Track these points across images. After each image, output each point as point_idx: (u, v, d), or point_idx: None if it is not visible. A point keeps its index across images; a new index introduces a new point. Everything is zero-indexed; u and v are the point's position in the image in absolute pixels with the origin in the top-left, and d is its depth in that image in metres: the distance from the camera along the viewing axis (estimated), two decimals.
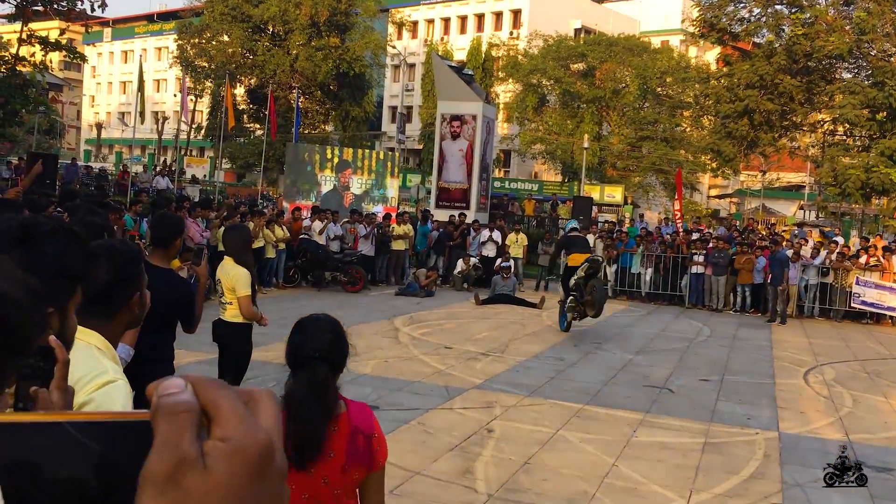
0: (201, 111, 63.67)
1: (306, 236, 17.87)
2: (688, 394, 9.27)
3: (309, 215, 18.75)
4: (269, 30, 47.55)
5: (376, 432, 2.63)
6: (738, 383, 10.18)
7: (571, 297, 12.77)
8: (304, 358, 2.52)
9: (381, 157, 25.40)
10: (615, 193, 41.70)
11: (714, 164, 37.22)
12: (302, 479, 2.50)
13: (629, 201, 43.67)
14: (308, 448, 2.49)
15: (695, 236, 20.39)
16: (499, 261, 18.02)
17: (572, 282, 12.74)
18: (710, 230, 23.49)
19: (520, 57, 46.00)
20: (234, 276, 5.69)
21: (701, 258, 18.72)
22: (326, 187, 22.55)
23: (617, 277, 19.71)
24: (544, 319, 15.24)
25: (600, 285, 12.78)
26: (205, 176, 48.91)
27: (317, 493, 2.52)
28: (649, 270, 19.48)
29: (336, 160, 23.02)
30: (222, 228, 15.20)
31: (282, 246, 17.23)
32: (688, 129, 43.89)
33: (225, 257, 5.89)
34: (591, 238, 19.78)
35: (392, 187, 23.31)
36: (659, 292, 19.51)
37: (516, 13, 56.01)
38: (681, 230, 20.33)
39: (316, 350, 2.52)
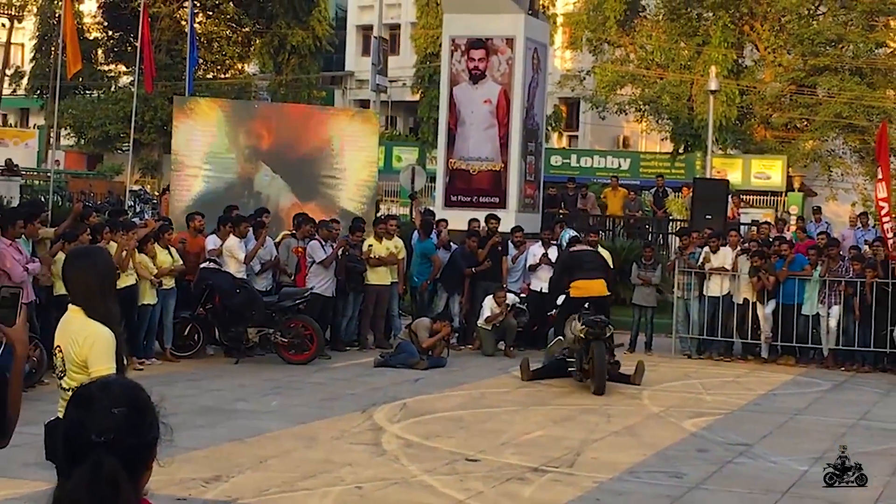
0: (21, 45, 64.32)
1: (212, 263, 17.94)
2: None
3: (215, 227, 18.84)
4: None
5: None
6: None
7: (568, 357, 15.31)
8: (83, 446, 2.70)
9: (350, 117, 25.53)
10: (770, 171, 41.85)
11: None
12: None
13: (797, 186, 43.71)
14: None
15: None
16: (560, 299, 18.03)
17: (570, 332, 14.82)
18: None
19: None
20: (86, 341, 5.71)
21: None
22: (248, 176, 22.65)
23: (776, 324, 19.66)
24: (645, 403, 15.19)
25: (601, 353, 14.77)
26: (35, 162, 49.39)
27: None
28: (835, 310, 19.40)
29: (264, 125, 23.13)
30: (62, 255, 15.33)
31: (169, 284, 17.27)
32: None
33: (70, 308, 5.92)
34: (729, 254, 19.86)
35: (364, 169, 23.37)
36: (854, 349, 19.41)
37: None
38: (890, 235, 20.27)
39: (101, 433, 2.71)
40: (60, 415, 5.81)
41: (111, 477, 2.66)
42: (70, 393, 5.74)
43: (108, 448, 2.69)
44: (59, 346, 5.84)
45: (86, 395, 2.87)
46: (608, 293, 15.78)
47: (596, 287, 15.16)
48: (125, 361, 5.92)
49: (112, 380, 3.04)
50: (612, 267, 20.27)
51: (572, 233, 16.45)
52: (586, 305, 15.26)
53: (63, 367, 5.80)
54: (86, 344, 5.68)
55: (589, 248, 15.68)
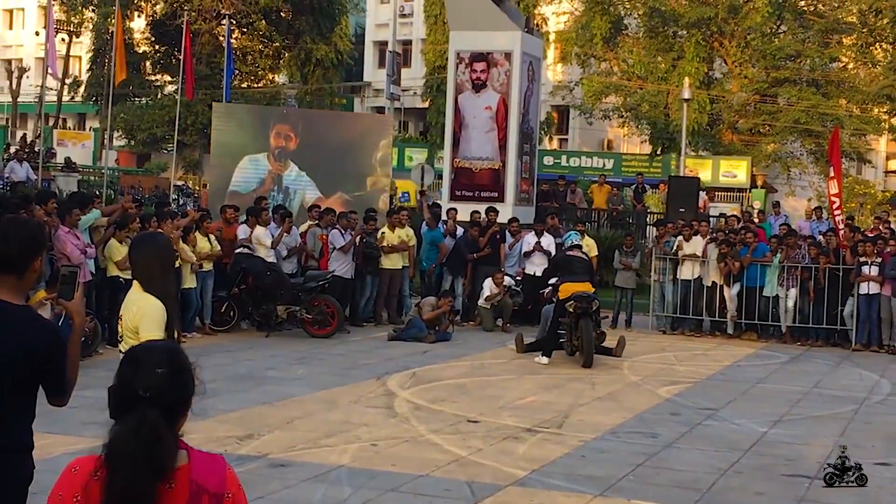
0: (79, 58, 64.35)
1: (245, 250, 17.98)
2: (858, 488, 9.22)
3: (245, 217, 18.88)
4: None
5: (230, 490, 3.03)
6: None
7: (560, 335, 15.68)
8: (131, 399, 2.95)
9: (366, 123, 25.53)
10: (736, 171, 41.79)
11: (893, 121, 37.16)
12: None
13: (760, 183, 43.69)
14: None
15: (863, 235, 20.26)
16: (551, 281, 18.04)
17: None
18: (890, 225, 23.37)
19: None
20: (139, 311, 5.73)
21: (875, 271, 18.64)
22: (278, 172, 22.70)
23: (741, 304, 19.69)
24: (625, 373, 15.24)
25: (588, 328, 15.20)
26: (91, 160, 49.46)
27: None
28: (793, 292, 19.42)
29: (291, 128, 23.13)
30: (113, 242, 15.37)
31: (208, 267, 17.34)
32: (850, 66, 43.81)
33: (133, 283, 5.95)
34: (700, 242, 19.88)
35: (379, 167, 23.37)
36: (808, 326, 19.44)
37: None
38: (841, 226, 20.25)
39: (146, 389, 2.95)
40: None
41: (153, 426, 2.88)
42: None
43: (151, 402, 2.92)
44: (120, 316, 5.89)
45: (134, 356, 3.09)
46: (593, 290, 15.92)
47: (582, 288, 15.45)
48: (175, 334, 5.95)
49: (156, 344, 3.34)
50: (597, 254, 20.41)
51: (577, 237, 16.59)
52: (573, 303, 15.44)
53: (121, 332, 5.84)
54: (139, 313, 5.70)
55: (581, 254, 16.05)
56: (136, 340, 5.67)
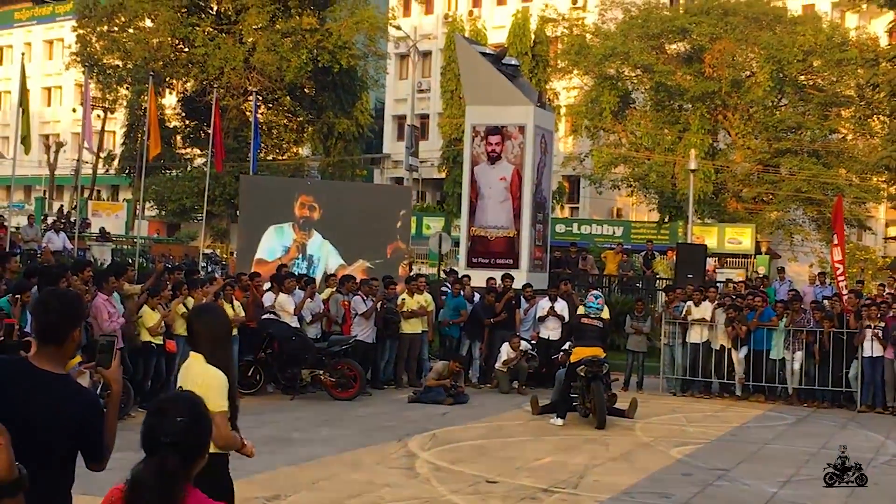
0: (113, 132, 64.93)
1: (272, 315, 17.99)
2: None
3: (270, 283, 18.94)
4: (212, 8, 48.56)
5: None
6: None
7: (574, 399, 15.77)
8: (154, 443, 3.36)
9: (386, 193, 25.62)
10: (741, 237, 41.73)
11: (892, 189, 37.16)
12: None
13: (764, 249, 43.61)
14: None
15: (867, 300, 20.17)
16: (566, 345, 18.00)
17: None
18: (891, 290, 23.27)
19: (589, 36, 46.54)
20: (204, 383, 5.71)
21: (878, 334, 18.54)
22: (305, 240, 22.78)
23: (749, 367, 19.58)
24: (638, 434, 15.12)
25: (600, 391, 15.25)
26: (124, 230, 49.72)
27: None
28: (798, 355, 19.31)
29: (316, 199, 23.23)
30: (146, 308, 15.39)
31: (233, 332, 17.32)
32: (849, 137, 43.93)
33: (192, 354, 5.93)
34: (708, 307, 19.82)
35: (398, 238, 23.43)
36: (814, 388, 19.30)
37: None
38: (844, 291, 20.19)
39: (168, 435, 3.36)
40: None
41: (172, 469, 3.33)
42: None
43: (172, 447, 3.35)
44: (180, 387, 5.88)
45: (160, 406, 3.54)
46: (603, 355, 15.93)
47: (592, 352, 15.50)
48: (237, 402, 5.94)
49: (180, 395, 3.72)
50: (608, 318, 20.29)
51: (595, 304, 16.50)
52: (584, 367, 15.48)
53: None
54: (204, 385, 5.68)
55: (595, 321, 16.04)
56: None
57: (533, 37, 49.68)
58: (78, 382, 4.90)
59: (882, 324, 18.60)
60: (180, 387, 5.91)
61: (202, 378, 5.73)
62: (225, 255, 42.34)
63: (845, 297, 19.82)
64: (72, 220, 37.37)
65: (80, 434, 4.48)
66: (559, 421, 15.68)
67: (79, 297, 5.14)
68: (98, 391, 6.31)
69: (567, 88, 49.48)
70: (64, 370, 4.70)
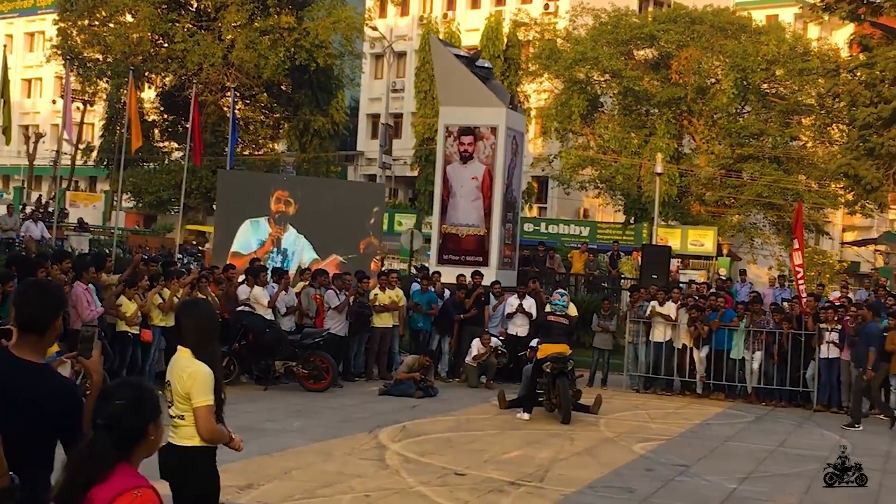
0: (92, 125, 64.46)
1: (246, 307, 17.92)
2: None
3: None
4: (192, 5, 48.30)
5: None
6: None
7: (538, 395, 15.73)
8: (93, 425, 3.55)
9: (360, 190, 25.58)
10: (704, 240, 41.86)
11: (849, 196, 37.40)
12: None
13: (725, 251, 43.82)
14: None
15: (825, 303, 20.31)
16: (533, 342, 18.03)
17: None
18: (848, 294, 23.45)
19: (559, 41, 46.62)
20: (189, 377, 5.69)
21: (835, 336, 18.66)
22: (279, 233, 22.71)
23: (710, 365, 19.67)
24: (602, 429, 15.16)
25: (565, 387, 15.33)
26: (101, 221, 49.39)
27: None
28: (758, 355, 19.42)
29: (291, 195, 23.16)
30: (123, 299, 15.29)
31: None
32: (809, 145, 44.22)
33: (179, 348, 5.89)
34: (671, 307, 19.89)
35: (371, 233, 23.40)
36: (773, 387, 19.42)
37: None
38: (803, 294, 20.31)
39: (103, 418, 3.51)
40: (170, 439, 5.79)
41: (101, 449, 3.48)
42: (177, 420, 5.82)
43: (105, 429, 3.50)
44: (168, 381, 5.86)
45: (104, 390, 3.74)
46: (569, 352, 15.97)
47: (558, 349, 15.54)
48: (223, 395, 5.91)
49: (126, 380, 3.81)
50: (576, 315, 20.32)
51: (560, 302, 16.55)
52: (550, 363, 15.52)
53: (171, 398, 5.84)
54: (189, 380, 5.71)
55: (562, 318, 16.06)
56: (188, 406, 5.70)
57: (506, 40, 49.72)
58: (58, 372, 4.87)
59: (839, 327, 18.74)
60: (167, 381, 5.89)
61: (187, 373, 5.73)
62: (200, 248, 42.11)
63: (804, 300, 19.96)
64: (50, 210, 37.03)
65: (60, 423, 4.45)
66: (525, 415, 15.71)
67: (60, 287, 5.11)
68: (78, 381, 6.25)
69: (538, 91, 49.46)
70: (44, 359, 4.66)
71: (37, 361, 4.51)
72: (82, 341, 4.81)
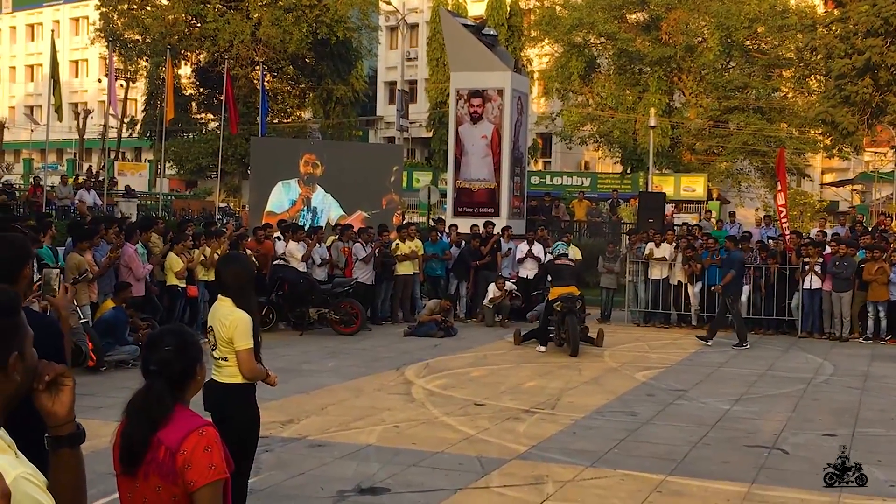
0: (135, 100, 64.41)
1: (281, 261, 17.99)
2: (807, 455, 9.20)
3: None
4: None
5: (184, 448, 3.27)
6: (874, 438, 10.09)
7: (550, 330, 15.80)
8: (146, 372, 3.45)
9: (380, 152, 25.54)
10: (695, 186, 41.71)
11: (828, 141, 37.14)
12: (136, 486, 3.33)
13: (715, 196, 43.67)
14: (127, 457, 3.33)
15: (806, 239, 20.27)
16: (546, 283, 18.06)
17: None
18: (827, 230, 23.36)
19: (558, 8, 46.15)
20: (231, 324, 5.77)
21: (816, 269, 18.63)
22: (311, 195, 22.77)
23: (703, 300, 19.67)
24: (607, 360, 15.22)
25: (574, 324, 15.29)
26: (147, 187, 49.46)
27: (154, 499, 3.31)
28: (746, 288, 19.40)
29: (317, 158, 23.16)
30: (171, 255, 15.37)
31: None
32: (790, 95, 43.83)
33: (219, 297, 5.95)
34: (667, 248, 19.85)
35: (392, 190, 23.37)
36: (761, 318, 19.43)
37: None
38: (787, 232, 20.24)
39: (155, 364, 3.42)
40: (213, 375, 5.88)
41: (157, 392, 3.37)
42: (220, 361, 5.92)
43: (157, 374, 3.40)
44: (210, 327, 5.94)
45: (151, 338, 3.60)
46: (578, 292, 15.99)
47: (568, 290, 15.56)
48: (259, 338, 5.98)
49: (170, 328, 3.70)
50: (580, 258, 20.35)
51: (563, 247, 16.68)
52: (560, 303, 15.53)
53: (214, 342, 5.92)
54: (231, 326, 5.79)
55: (568, 261, 16.15)
56: (230, 349, 5.78)
57: (509, 9, 49.42)
58: (34, 310, 4.89)
59: (820, 260, 18.70)
60: (210, 326, 5.95)
61: (229, 320, 5.80)
62: (238, 209, 42.18)
63: (788, 237, 19.90)
64: (100, 179, 37.06)
65: (45, 356, 4.46)
66: (542, 348, 15.83)
67: (23, 239, 5.07)
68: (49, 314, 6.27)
69: (539, 55, 49.13)
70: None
71: None
72: (45, 282, 4.84)
